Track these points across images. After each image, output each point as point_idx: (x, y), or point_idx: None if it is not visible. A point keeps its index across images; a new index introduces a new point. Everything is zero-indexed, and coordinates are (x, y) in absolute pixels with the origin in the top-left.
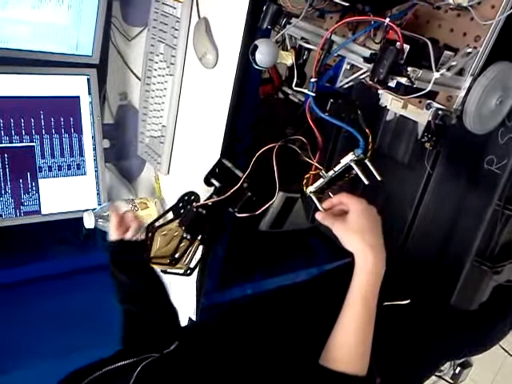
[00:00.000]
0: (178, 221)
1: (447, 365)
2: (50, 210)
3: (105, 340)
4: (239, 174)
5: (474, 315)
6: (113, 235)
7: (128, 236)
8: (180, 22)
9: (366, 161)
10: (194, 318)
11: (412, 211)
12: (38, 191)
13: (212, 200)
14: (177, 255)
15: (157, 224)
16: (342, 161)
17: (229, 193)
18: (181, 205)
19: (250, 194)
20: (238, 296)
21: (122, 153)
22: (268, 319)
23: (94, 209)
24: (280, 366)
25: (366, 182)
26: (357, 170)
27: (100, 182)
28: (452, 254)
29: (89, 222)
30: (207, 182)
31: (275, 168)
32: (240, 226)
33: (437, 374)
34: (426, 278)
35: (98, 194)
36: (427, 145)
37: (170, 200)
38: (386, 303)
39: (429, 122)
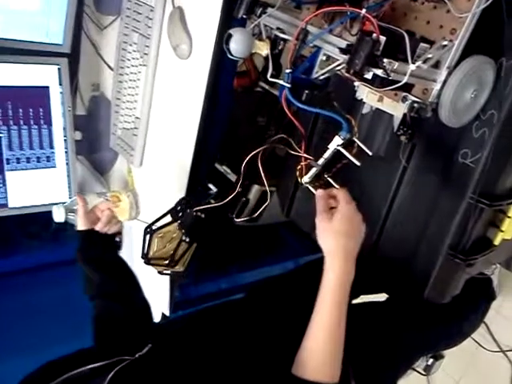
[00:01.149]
0: (176, 224)
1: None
2: (17, 204)
3: (76, 336)
4: (232, 178)
5: (447, 308)
6: (80, 225)
7: (97, 227)
8: (154, 11)
9: (355, 138)
10: (167, 314)
11: (387, 204)
12: (4, 184)
13: (211, 205)
14: (176, 257)
15: (155, 226)
16: (329, 146)
17: (228, 199)
18: (179, 208)
19: (244, 198)
20: (212, 290)
21: (94, 145)
22: (241, 321)
23: (65, 202)
24: (253, 371)
25: (358, 164)
26: (345, 152)
27: (71, 175)
28: (426, 247)
29: (59, 216)
30: (204, 187)
31: (261, 170)
32: (215, 220)
33: None
34: (401, 272)
35: (68, 187)
36: (402, 138)
37: (143, 193)
38: (360, 300)
39: (404, 114)
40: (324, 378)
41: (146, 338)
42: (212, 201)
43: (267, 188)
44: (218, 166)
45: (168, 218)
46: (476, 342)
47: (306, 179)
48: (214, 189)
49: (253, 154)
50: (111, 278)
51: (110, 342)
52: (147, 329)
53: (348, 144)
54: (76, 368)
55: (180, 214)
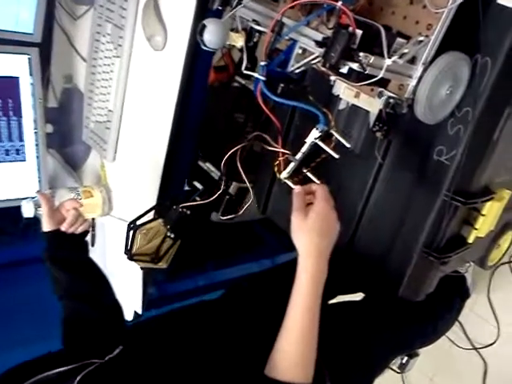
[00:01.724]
0: (160, 220)
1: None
2: None
3: (47, 337)
4: (215, 176)
5: (421, 307)
6: (45, 226)
7: (63, 227)
8: (128, 1)
9: (332, 131)
10: (139, 312)
11: (362, 201)
12: None
13: (198, 202)
14: (160, 253)
15: (138, 222)
16: (307, 140)
17: (213, 197)
18: (163, 204)
19: (228, 196)
20: (188, 288)
21: (66, 138)
22: (215, 321)
23: (35, 197)
24: (226, 372)
25: (336, 156)
26: (323, 145)
27: (42, 169)
28: (401, 244)
29: (28, 211)
30: (189, 184)
31: (240, 168)
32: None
33: None
34: (375, 270)
35: (39, 181)
36: (378, 134)
37: (116, 188)
38: (336, 300)
39: (380, 110)
40: (297, 378)
41: (116, 340)
42: (197, 198)
43: (248, 185)
44: (201, 163)
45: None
46: (450, 339)
47: (284, 174)
48: (199, 186)
49: (230, 152)
50: (80, 278)
51: (79, 344)
52: (118, 330)
53: (326, 138)
54: (42, 372)
55: (165, 211)
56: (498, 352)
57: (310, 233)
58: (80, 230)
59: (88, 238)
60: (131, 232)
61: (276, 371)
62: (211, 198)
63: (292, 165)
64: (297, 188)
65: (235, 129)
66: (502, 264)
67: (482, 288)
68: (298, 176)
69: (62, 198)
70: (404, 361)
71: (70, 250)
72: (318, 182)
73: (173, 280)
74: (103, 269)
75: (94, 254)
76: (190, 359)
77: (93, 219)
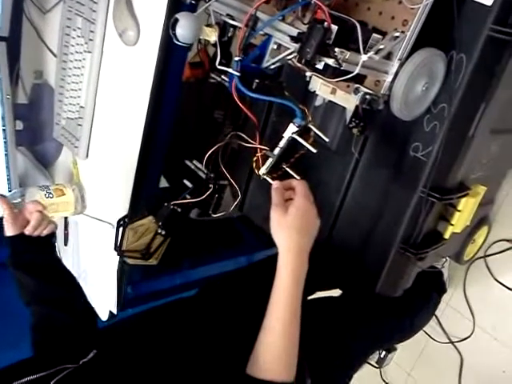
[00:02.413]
0: (149, 218)
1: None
2: None
3: (15, 342)
4: (203, 175)
5: (399, 302)
6: (8, 230)
7: (27, 231)
8: None
9: (310, 125)
10: (114, 312)
11: (339, 198)
12: None
13: (190, 200)
14: (151, 250)
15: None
16: (284, 135)
17: (205, 195)
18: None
19: (217, 195)
20: (166, 286)
21: (36, 135)
22: (191, 321)
23: (4, 196)
24: (205, 372)
25: (314, 151)
26: (301, 140)
27: (11, 167)
28: (378, 240)
29: None
30: (179, 183)
31: (222, 166)
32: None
33: None
34: (353, 266)
35: (8, 179)
36: (355, 130)
37: (89, 186)
38: (314, 296)
39: (356, 106)
40: (279, 376)
41: (90, 344)
42: (188, 196)
43: (235, 185)
44: (188, 162)
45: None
46: (427, 334)
47: (262, 170)
48: (189, 185)
49: (210, 152)
50: (47, 282)
51: (50, 350)
52: (91, 334)
53: (304, 132)
54: (13, 381)
55: (156, 208)
56: (473, 345)
57: (290, 229)
58: (45, 232)
59: (58, 238)
60: (121, 228)
61: (258, 368)
62: (202, 197)
63: (270, 160)
64: (275, 183)
65: (214, 126)
66: (478, 259)
67: (457, 283)
68: (276, 172)
69: (33, 196)
70: (382, 355)
71: (36, 254)
72: (297, 177)
73: (149, 279)
74: (77, 268)
75: (67, 253)
76: (166, 360)
77: (66, 218)
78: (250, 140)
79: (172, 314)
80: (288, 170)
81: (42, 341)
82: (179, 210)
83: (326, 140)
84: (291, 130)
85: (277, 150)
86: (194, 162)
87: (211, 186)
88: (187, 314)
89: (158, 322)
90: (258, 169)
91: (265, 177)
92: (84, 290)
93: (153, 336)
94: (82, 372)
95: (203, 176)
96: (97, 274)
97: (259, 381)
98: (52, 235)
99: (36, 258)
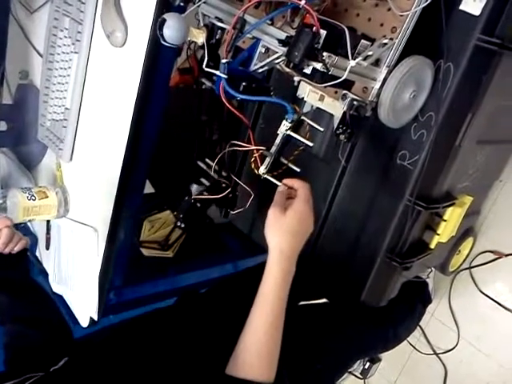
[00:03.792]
0: (167, 212)
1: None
2: None
3: None
4: (215, 175)
5: (383, 312)
6: None
7: None
8: None
9: (303, 117)
10: (95, 318)
11: (326, 205)
12: None
13: (210, 197)
14: (169, 242)
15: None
16: (278, 132)
17: (223, 194)
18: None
19: (231, 194)
20: (149, 293)
21: (20, 136)
22: (168, 330)
23: None
24: (182, 377)
25: (311, 145)
26: (296, 135)
27: None
28: (364, 249)
29: None
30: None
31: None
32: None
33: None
34: (338, 275)
35: None
36: (342, 137)
37: (73, 189)
38: (301, 303)
39: (344, 113)
40: (260, 376)
41: (62, 353)
42: (205, 193)
43: (247, 188)
44: (199, 162)
45: None
46: (411, 345)
47: (262, 170)
48: (206, 182)
49: (217, 159)
50: (20, 300)
51: (23, 365)
52: (64, 347)
53: (298, 129)
54: None
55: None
56: (457, 357)
57: (285, 231)
58: (17, 249)
59: (40, 242)
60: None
61: (238, 367)
62: (222, 195)
63: (268, 160)
64: (282, 187)
65: (202, 130)
66: (463, 270)
67: (443, 294)
68: (277, 170)
69: (15, 198)
70: (366, 366)
71: (8, 271)
72: (297, 169)
73: (132, 285)
74: (58, 273)
75: (49, 257)
76: (140, 369)
77: (48, 221)
78: (243, 144)
79: (149, 322)
80: (290, 165)
81: (15, 359)
82: (198, 204)
83: (321, 130)
84: (284, 127)
85: (273, 149)
86: (207, 160)
87: (224, 184)
88: (165, 323)
89: (135, 330)
90: (257, 169)
91: (266, 176)
92: (65, 295)
93: (129, 344)
94: (51, 379)
95: (215, 176)
96: (78, 279)
97: (239, 380)
98: (25, 251)
99: (8, 274)
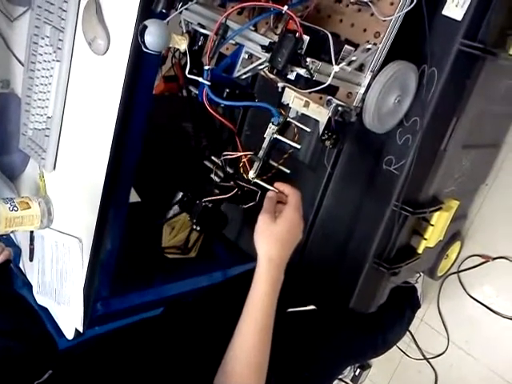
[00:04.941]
0: (184, 214)
1: (347, 367)
2: None
3: None
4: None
5: (372, 317)
6: None
7: None
8: (68, 2)
9: (289, 119)
10: (80, 330)
11: (313, 212)
12: None
13: (220, 197)
14: (189, 245)
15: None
16: (265, 136)
17: (234, 191)
18: (185, 199)
19: (239, 191)
20: (136, 303)
21: (2, 146)
22: (154, 341)
23: None
24: None
25: (298, 147)
26: (282, 138)
27: None
28: (351, 255)
29: None
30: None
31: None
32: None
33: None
34: (327, 281)
35: None
36: (327, 143)
37: (56, 199)
38: (289, 310)
39: (329, 118)
40: None
41: (47, 365)
42: (216, 191)
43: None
44: (207, 163)
45: None
46: (401, 350)
47: (251, 175)
48: (217, 179)
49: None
50: (3, 312)
51: (6, 379)
52: (49, 359)
53: (285, 131)
54: None
55: (188, 205)
56: (447, 361)
57: (275, 239)
58: None
59: (23, 253)
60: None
61: (227, 376)
62: (231, 193)
63: (256, 164)
64: (271, 193)
65: (187, 139)
66: (451, 274)
67: (431, 298)
68: (266, 174)
69: None
70: (357, 373)
71: None
72: (287, 171)
73: (119, 295)
74: (42, 284)
75: (33, 268)
76: (126, 380)
77: (31, 232)
78: (231, 153)
79: (135, 333)
80: (281, 167)
81: None
82: (210, 205)
83: (308, 130)
84: (271, 131)
85: (261, 153)
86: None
87: (232, 182)
88: (150, 333)
89: (121, 341)
90: (247, 173)
91: (256, 180)
92: (49, 307)
93: (114, 355)
94: None
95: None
96: (63, 291)
97: None
98: (8, 262)
99: None
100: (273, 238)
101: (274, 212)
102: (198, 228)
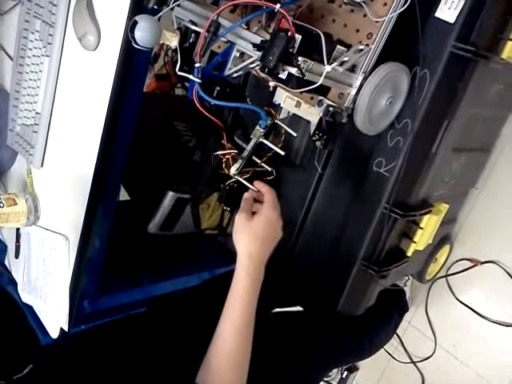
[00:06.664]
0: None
1: (334, 370)
2: None
3: None
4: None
5: (359, 319)
6: None
7: None
8: None
9: (277, 121)
10: (65, 328)
11: (302, 213)
12: None
13: (240, 178)
14: (224, 225)
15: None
16: (251, 137)
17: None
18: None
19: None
20: (124, 302)
21: None
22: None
23: None
24: None
25: (282, 153)
26: (268, 143)
27: None
28: (340, 257)
29: None
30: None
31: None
32: (127, 227)
33: (324, 379)
34: (315, 283)
35: None
36: (318, 143)
37: (44, 196)
38: (275, 310)
39: (320, 119)
40: (230, 382)
41: (27, 360)
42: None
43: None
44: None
45: None
46: (389, 353)
47: (233, 171)
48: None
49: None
50: None
51: None
52: (28, 353)
53: (273, 131)
54: None
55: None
56: (434, 365)
57: (253, 236)
58: None
59: (9, 250)
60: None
61: (209, 373)
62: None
63: (239, 162)
64: (246, 194)
65: (177, 137)
66: (439, 278)
67: (420, 302)
68: (248, 171)
69: None
70: (344, 376)
71: None
72: (269, 169)
73: (106, 294)
74: (27, 282)
75: (19, 266)
76: (107, 376)
77: (17, 229)
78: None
79: (118, 329)
80: (263, 164)
81: None
82: (235, 185)
83: (294, 134)
84: (258, 133)
85: (245, 153)
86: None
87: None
88: (134, 330)
89: (103, 337)
90: (229, 168)
91: (236, 177)
92: (34, 305)
93: (95, 351)
94: None
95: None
96: (48, 289)
97: None
98: None
99: None
100: (251, 235)
101: (250, 211)
102: (229, 209)
